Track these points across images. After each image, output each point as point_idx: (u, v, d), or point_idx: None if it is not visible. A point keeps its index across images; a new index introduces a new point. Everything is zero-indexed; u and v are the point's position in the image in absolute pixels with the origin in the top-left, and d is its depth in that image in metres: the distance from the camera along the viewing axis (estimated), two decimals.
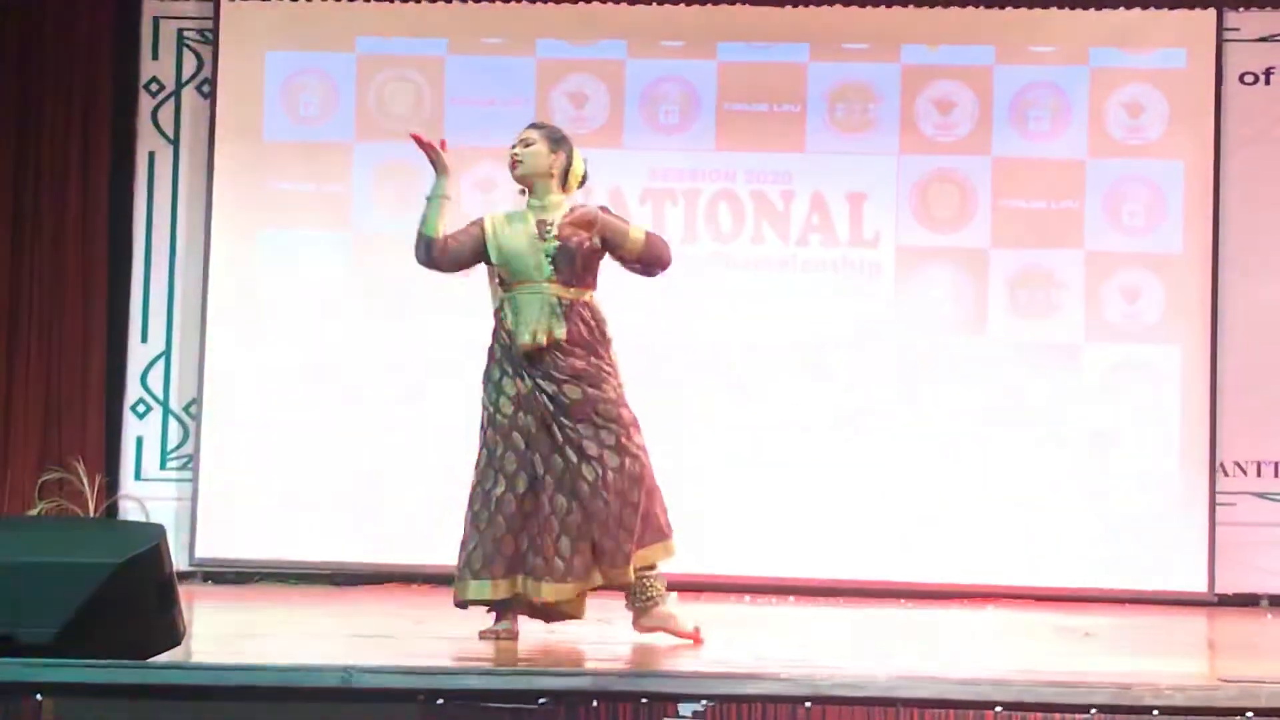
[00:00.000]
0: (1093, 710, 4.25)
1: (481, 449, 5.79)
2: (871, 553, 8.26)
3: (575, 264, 5.82)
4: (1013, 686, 4.33)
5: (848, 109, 8.53)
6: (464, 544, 5.74)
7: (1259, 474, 8.35)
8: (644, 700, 4.22)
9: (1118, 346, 8.39)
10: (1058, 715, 4.24)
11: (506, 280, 5.89)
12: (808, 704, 4.22)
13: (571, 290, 5.83)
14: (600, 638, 6.02)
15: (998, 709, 4.23)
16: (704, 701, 4.21)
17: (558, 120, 8.54)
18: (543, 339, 5.75)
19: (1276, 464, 8.34)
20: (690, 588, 8.06)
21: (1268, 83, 8.42)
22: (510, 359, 5.81)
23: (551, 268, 5.81)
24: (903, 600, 8.05)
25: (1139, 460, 8.32)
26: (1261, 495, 8.34)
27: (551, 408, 5.73)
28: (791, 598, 8.05)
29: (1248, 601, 8.25)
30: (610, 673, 4.34)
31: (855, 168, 8.49)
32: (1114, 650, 6.02)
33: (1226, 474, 8.34)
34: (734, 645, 5.89)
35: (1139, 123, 8.42)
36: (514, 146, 6.00)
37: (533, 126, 6.08)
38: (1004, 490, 8.33)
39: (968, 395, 8.40)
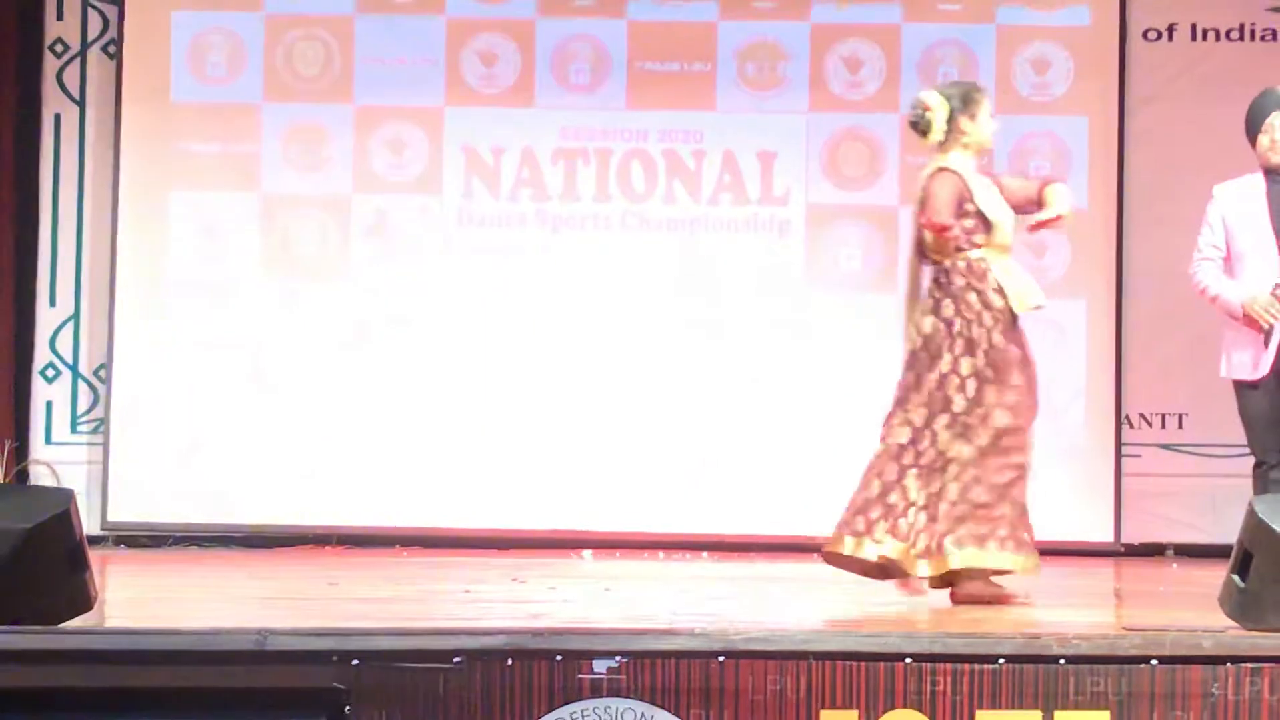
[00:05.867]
0: (1000, 660, 4.30)
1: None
2: (783, 508, 8.31)
3: None
4: (922, 638, 4.39)
5: (758, 67, 8.55)
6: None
7: (1164, 425, 8.47)
8: (559, 658, 4.24)
9: None
10: (966, 666, 4.29)
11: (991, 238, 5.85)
12: (720, 659, 4.26)
13: None
14: (514, 596, 6.06)
15: (907, 660, 4.28)
16: (618, 658, 4.24)
17: (468, 80, 8.55)
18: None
19: (1181, 415, 8.46)
20: (605, 545, 8.14)
21: (1170, 39, 8.51)
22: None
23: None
24: (815, 554, 8.10)
25: (1046, 413, 8.38)
26: (1166, 446, 8.47)
27: None
28: (705, 554, 8.10)
29: (1153, 551, 8.39)
30: (525, 631, 4.36)
31: (765, 126, 8.52)
32: (1022, 600, 6.10)
33: (1132, 426, 8.45)
34: (648, 601, 5.93)
35: (1045, 79, 8.50)
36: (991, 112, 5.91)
37: None
38: None
39: (878, 350, 8.44)
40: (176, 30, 8.56)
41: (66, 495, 4.64)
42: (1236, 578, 4.84)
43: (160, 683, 4.22)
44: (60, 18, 8.66)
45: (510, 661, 4.23)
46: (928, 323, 5.82)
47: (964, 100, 5.87)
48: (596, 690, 4.23)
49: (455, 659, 4.23)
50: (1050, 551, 8.10)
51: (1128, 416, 8.44)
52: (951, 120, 5.84)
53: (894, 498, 5.74)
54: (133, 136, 8.50)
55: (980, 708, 4.28)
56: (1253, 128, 6.41)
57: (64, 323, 8.62)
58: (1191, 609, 5.39)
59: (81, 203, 8.63)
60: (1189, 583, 6.84)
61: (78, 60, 8.66)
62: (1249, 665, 4.31)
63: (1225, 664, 4.30)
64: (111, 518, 8.41)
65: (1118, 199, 8.40)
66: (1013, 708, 4.28)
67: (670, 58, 8.57)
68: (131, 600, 5.93)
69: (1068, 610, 5.71)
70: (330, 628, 4.47)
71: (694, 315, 8.47)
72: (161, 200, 8.53)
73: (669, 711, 4.22)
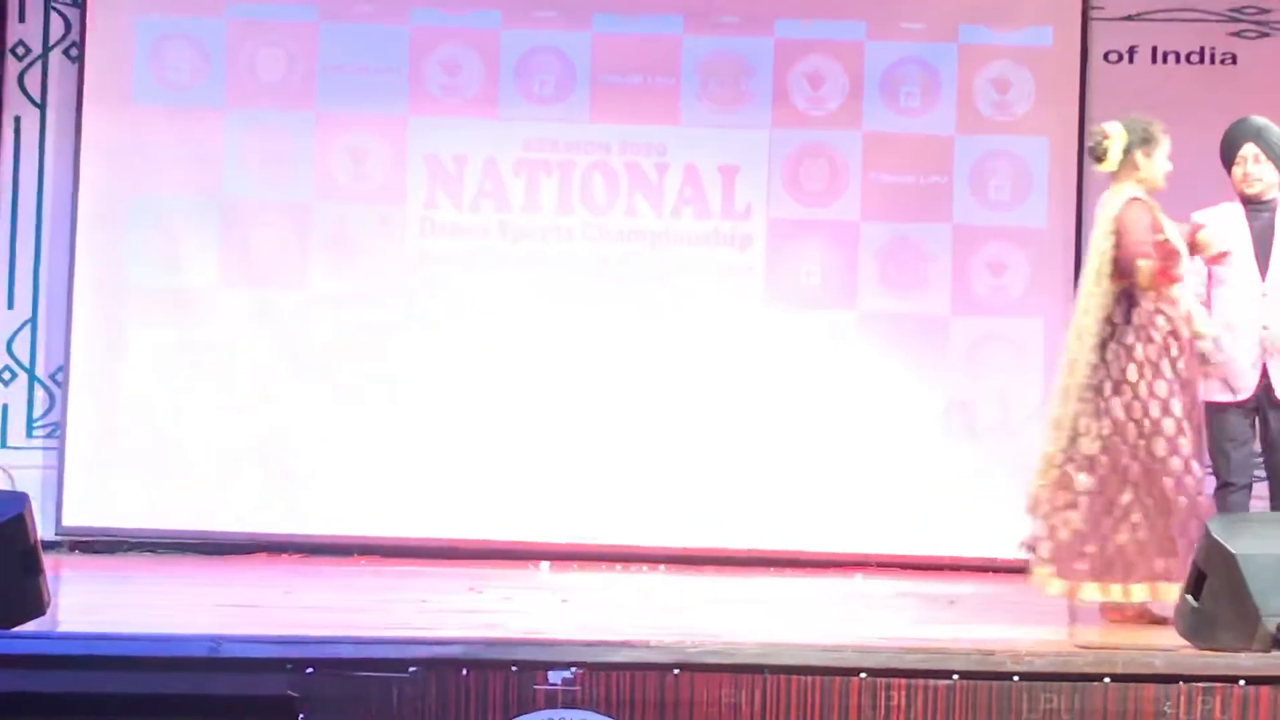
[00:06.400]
0: (955, 676, 4.32)
1: None
2: (741, 522, 8.33)
3: None
4: (877, 654, 4.40)
5: (721, 82, 8.56)
6: None
7: None
8: (514, 668, 4.24)
9: (983, 319, 8.51)
10: (920, 681, 4.31)
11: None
12: (676, 671, 4.27)
13: None
14: (471, 606, 6.05)
15: (862, 675, 4.30)
16: (573, 669, 4.25)
17: (431, 90, 8.55)
18: None
19: None
20: (562, 556, 8.14)
21: (1131, 61, 8.56)
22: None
23: None
24: (771, 568, 8.13)
25: (1003, 432, 8.45)
26: None
27: None
28: (662, 566, 8.10)
29: None
30: (480, 641, 4.36)
31: (728, 141, 8.53)
32: (977, 618, 6.14)
33: None
34: (604, 613, 5.93)
35: (1006, 99, 8.53)
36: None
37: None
38: (872, 460, 8.43)
39: (838, 366, 8.48)
40: (139, 34, 8.53)
41: (20, 499, 4.62)
42: (1190, 597, 4.88)
43: (112, 688, 4.20)
44: (22, 20, 8.62)
45: (465, 672, 4.23)
46: (1111, 350, 5.88)
47: (1144, 136, 6.02)
48: (551, 701, 4.23)
49: (410, 668, 4.22)
50: (1006, 569, 8.17)
51: None
52: (1128, 152, 5.96)
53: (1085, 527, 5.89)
54: (94, 140, 8.46)
55: None
56: (1226, 158, 6.46)
57: (21, 325, 8.57)
58: (1145, 628, 5.42)
59: (41, 205, 8.59)
60: None
61: (39, 63, 8.62)
62: (1201, 685, 4.34)
63: (1177, 683, 4.33)
64: (66, 523, 8.35)
65: (1076, 219, 8.42)
66: None
67: (634, 71, 8.57)
68: (85, 605, 5.90)
69: (1022, 627, 5.74)
70: (284, 635, 4.46)
71: (653, 328, 8.47)
72: (121, 203, 8.49)
73: None
